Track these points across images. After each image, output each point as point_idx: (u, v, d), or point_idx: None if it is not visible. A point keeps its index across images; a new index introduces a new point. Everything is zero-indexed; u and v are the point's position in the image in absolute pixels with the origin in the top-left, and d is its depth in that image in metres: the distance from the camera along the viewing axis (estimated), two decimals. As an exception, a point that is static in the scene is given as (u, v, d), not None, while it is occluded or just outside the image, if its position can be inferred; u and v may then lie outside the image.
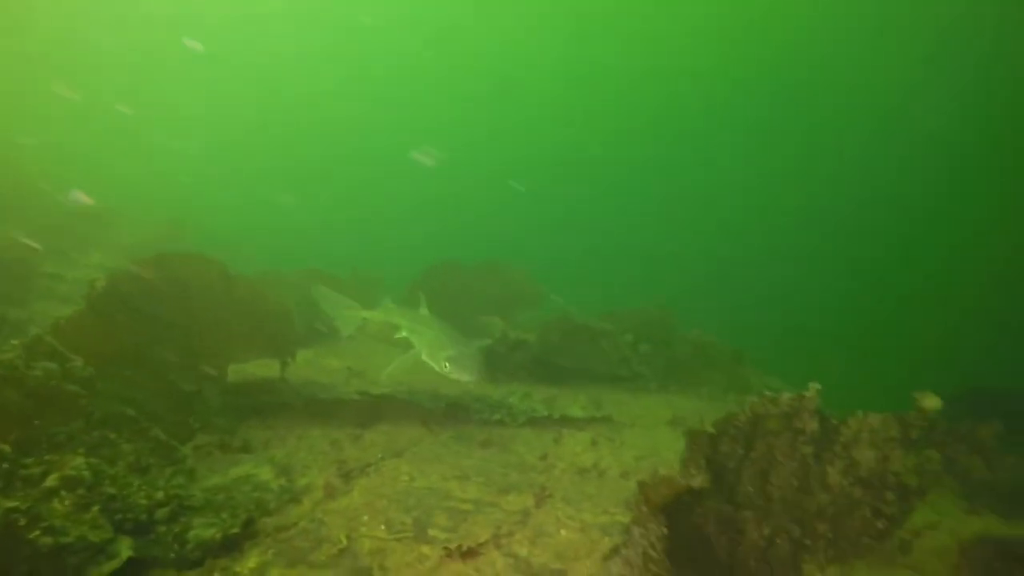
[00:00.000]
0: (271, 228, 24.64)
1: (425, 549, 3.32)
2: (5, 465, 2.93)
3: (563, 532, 3.62)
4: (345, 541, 3.35)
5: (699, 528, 2.80)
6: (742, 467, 2.94)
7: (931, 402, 3.12)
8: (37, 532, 2.66)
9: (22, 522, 2.65)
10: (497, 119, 51.37)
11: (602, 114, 49.52)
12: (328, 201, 39.46)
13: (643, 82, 46.29)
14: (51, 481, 2.97)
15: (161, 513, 3.25)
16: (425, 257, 11.87)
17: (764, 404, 3.03)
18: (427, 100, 51.33)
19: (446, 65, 49.39)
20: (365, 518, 3.63)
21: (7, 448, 2.98)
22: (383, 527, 3.53)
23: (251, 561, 3.12)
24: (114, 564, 2.75)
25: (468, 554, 3.26)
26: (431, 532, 3.51)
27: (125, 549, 2.85)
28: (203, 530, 3.21)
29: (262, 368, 6.03)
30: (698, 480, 2.60)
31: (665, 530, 2.26)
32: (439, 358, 4.69)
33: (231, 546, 3.21)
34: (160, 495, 3.34)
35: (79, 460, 3.17)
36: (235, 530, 3.27)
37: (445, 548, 3.29)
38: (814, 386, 3.10)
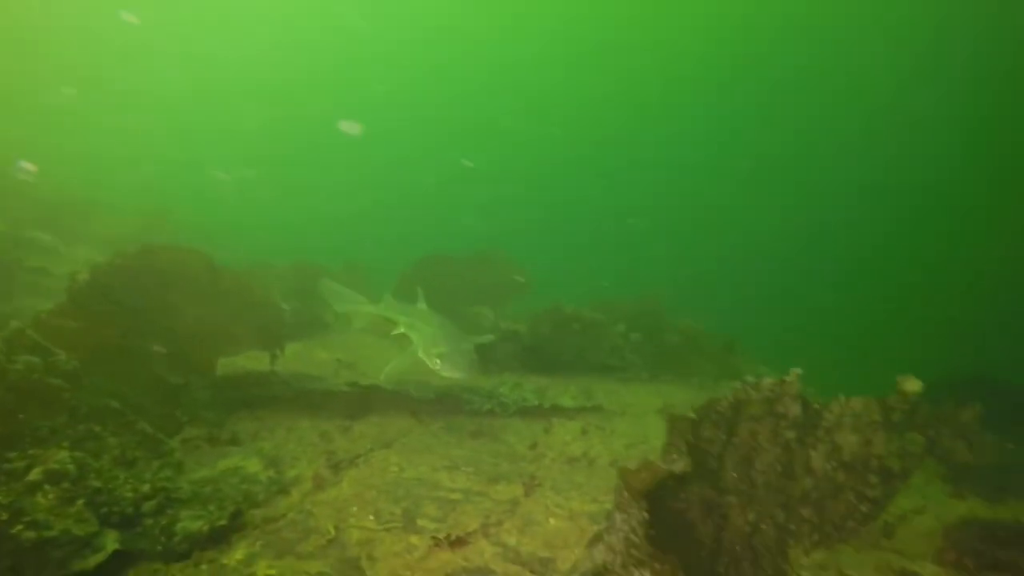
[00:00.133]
0: (238, 217, 24.47)
1: (414, 539, 3.33)
2: (-13, 460, 2.92)
3: (552, 521, 3.64)
4: (333, 532, 3.36)
5: (683, 514, 2.81)
6: (725, 452, 2.96)
7: (912, 385, 3.15)
8: (20, 527, 2.65)
9: (4, 517, 2.64)
10: (496, 117, 50.97)
11: (600, 108, 49.33)
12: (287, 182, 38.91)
13: (637, 73, 46.07)
14: (34, 475, 2.96)
15: (148, 506, 3.24)
16: (419, 248, 11.86)
17: (746, 389, 3.05)
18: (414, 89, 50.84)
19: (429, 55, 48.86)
20: (354, 509, 3.63)
21: (-11, 443, 2.96)
22: (372, 517, 3.54)
23: (239, 553, 3.12)
24: (99, 557, 2.74)
25: (457, 543, 3.27)
26: (420, 522, 3.52)
27: (111, 542, 2.85)
28: (190, 522, 3.20)
29: (252, 361, 6.00)
30: (679, 465, 2.62)
31: (647, 515, 2.28)
32: (431, 354, 4.68)
33: (219, 538, 3.21)
34: (147, 488, 3.34)
35: (63, 454, 3.16)
36: (223, 522, 3.27)
37: (434, 537, 3.30)
38: (795, 371, 3.11)
